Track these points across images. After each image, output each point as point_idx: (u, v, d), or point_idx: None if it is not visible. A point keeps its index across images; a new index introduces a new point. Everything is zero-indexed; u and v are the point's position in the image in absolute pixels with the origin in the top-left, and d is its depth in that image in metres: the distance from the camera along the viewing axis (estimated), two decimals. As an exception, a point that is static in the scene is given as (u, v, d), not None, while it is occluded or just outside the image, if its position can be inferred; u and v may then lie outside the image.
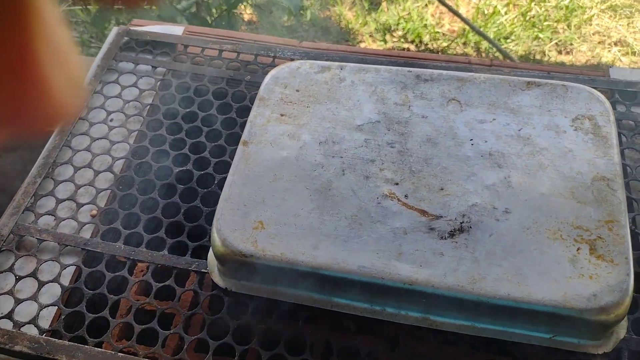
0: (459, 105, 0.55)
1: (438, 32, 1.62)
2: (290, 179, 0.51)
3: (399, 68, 0.58)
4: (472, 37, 1.58)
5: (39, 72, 0.16)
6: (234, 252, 0.47)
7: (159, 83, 0.69)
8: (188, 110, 0.66)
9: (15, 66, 0.15)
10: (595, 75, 0.66)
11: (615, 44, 1.64)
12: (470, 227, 0.47)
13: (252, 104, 0.66)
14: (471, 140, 0.52)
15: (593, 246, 0.45)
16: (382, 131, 0.54)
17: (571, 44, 1.60)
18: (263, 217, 0.49)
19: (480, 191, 0.49)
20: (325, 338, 0.50)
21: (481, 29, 1.53)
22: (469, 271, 0.45)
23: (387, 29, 1.63)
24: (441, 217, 0.48)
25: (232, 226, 0.49)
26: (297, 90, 0.58)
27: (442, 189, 0.49)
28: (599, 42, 1.67)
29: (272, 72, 0.60)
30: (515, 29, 1.63)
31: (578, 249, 0.45)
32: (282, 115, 0.56)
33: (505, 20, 1.65)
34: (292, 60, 0.67)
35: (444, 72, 0.58)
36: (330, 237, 0.47)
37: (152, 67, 0.70)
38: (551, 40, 1.60)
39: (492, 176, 0.50)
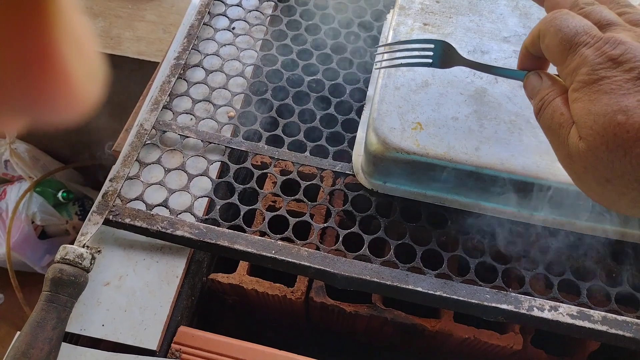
0: (604, 23, 0.56)
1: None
2: (442, 85, 0.52)
3: (541, -15, 0.58)
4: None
5: (60, 64, 0.16)
6: (395, 150, 0.48)
7: (277, -6, 0.68)
8: (310, 22, 0.65)
9: (36, 57, 0.15)
10: None
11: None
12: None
13: (378, 16, 0.66)
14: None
15: None
16: (530, 44, 0.54)
17: None
18: (420, 119, 0.50)
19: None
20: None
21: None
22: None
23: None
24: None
25: (390, 126, 0.50)
26: (437, 2, 0.58)
27: (597, 100, 0.50)
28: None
29: (410, -17, 0.59)
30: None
31: None
32: (425, 24, 0.56)
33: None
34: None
35: (587, -10, 0.58)
36: (491, 139, 0.49)
37: (269, -22, 0.69)
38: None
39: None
